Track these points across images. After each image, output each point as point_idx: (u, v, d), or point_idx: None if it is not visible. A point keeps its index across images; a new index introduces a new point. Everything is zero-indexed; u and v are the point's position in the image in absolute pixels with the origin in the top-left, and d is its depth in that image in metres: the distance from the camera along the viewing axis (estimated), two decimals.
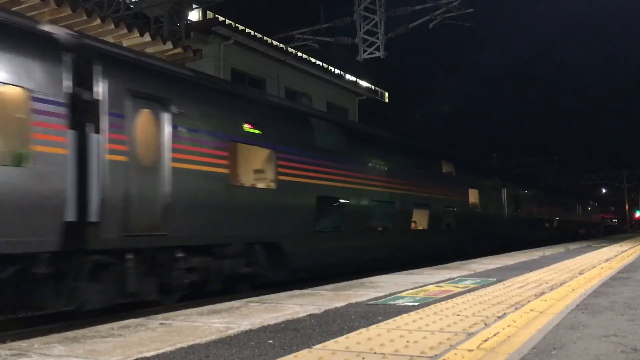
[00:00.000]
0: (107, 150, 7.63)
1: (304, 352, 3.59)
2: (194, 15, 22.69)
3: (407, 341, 3.80)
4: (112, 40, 11.89)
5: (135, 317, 5.61)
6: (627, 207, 73.25)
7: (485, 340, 3.75)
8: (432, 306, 5.47)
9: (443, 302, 5.70)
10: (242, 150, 10.86)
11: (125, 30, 12.56)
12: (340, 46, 19.33)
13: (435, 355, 3.41)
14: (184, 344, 3.94)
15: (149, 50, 13.13)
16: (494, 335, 3.93)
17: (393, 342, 3.79)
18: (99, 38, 10.27)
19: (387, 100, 36.71)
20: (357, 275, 10.20)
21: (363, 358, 3.39)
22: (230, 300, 6.75)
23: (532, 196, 30.35)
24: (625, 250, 15.21)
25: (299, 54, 24.03)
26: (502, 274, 8.78)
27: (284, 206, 11.04)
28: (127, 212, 7.80)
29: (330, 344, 3.83)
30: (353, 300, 6.07)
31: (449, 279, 8.20)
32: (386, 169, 14.96)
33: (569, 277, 7.96)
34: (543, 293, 6.23)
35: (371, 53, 18.11)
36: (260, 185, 10.95)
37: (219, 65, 20.03)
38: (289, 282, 10.52)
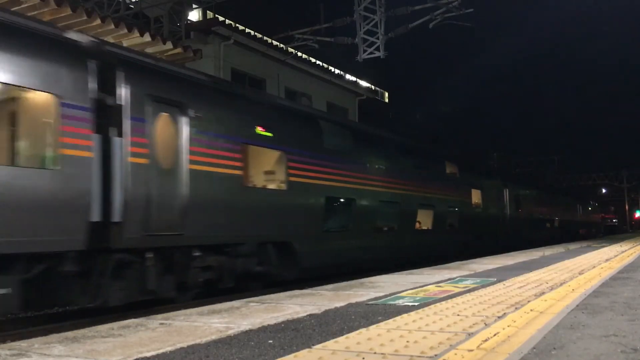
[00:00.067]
0: (129, 153, 7.87)
1: (304, 352, 3.59)
2: (194, 15, 22.69)
3: (407, 341, 3.80)
4: (112, 40, 11.89)
5: (135, 317, 5.62)
6: (627, 207, 73.28)
7: (485, 340, 3.75)
8: (432, 306, 5.47)
9: (443, 302, 5.70)
10: (255, 153, 11.05)
11: (125, 30, 12.56)
12: (340, 46, 19.34)
13: (435, 355, 3.41)
14: (184, 344, 3.94)
15: (149, 50, 13.12)
16: (494, 335, 3.93)
17: (393, 342, 3.79)
18: (120, 45, 10.42)
19: (387, 100, 36.78)
20: (357, 275, 10.23)
21: (363, 358, 3.39)
22: (230, 300, 6.77)
23: (533, 196, 30.41)
24: (625, 250, 15.21)
25: (299, 54, 24.03)
26: (502, 274, 8.78)
27: (294, 206, 11.26)
28: (147, 212, 8.03)
29: (330, 344, 3.83)
30: (353, 300, 6.07)
31: (449, 279, 8.20)
32: (392, 170, 15.12)
33: (569, 277, 7.96)
34: (543, 293, 6.23)
35: (371, 53, 18.11)
36: (271, 186, 11.18)
37: (219, 65, 20.01)
38: (293, 282, 10.58)
